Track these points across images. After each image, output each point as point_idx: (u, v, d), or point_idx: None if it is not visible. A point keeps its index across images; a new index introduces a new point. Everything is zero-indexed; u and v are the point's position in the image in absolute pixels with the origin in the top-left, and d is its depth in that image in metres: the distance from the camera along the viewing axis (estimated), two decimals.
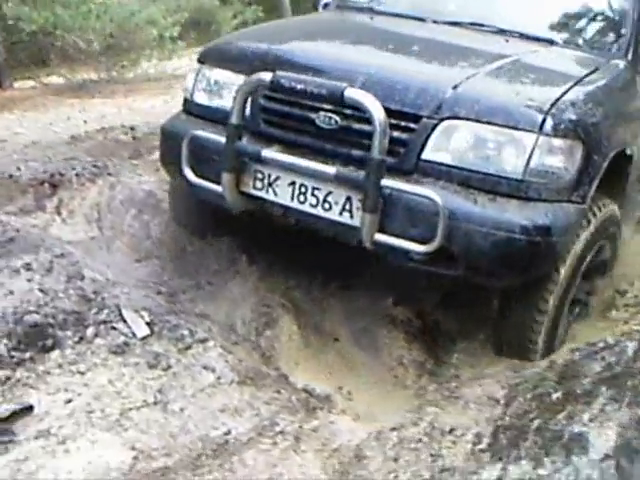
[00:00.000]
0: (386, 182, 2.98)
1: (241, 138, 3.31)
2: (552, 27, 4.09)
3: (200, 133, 3.42)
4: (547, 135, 2.97)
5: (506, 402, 2.52)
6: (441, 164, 3.06)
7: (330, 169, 3.10)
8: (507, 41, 3.87)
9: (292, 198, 3.25)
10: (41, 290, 3.30)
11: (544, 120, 2.98)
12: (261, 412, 2.96)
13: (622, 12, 4.12)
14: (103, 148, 5.61)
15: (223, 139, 3.30)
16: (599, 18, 4.23)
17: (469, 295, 3.61)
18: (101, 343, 3.19)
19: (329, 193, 3.16)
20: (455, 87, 3.13)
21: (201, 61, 3.71)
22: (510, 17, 4.07)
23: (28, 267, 3.39)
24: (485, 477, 1.99)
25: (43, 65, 11.57)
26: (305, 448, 2.68)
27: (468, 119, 3.04)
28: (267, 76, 3.19)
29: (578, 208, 3.15)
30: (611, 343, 2.54)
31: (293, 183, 3.24)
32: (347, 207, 3.13)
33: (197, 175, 3.41)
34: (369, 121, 2.99)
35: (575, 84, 3.28)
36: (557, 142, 3.01)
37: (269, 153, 3.24)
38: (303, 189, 3.22)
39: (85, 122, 7.14)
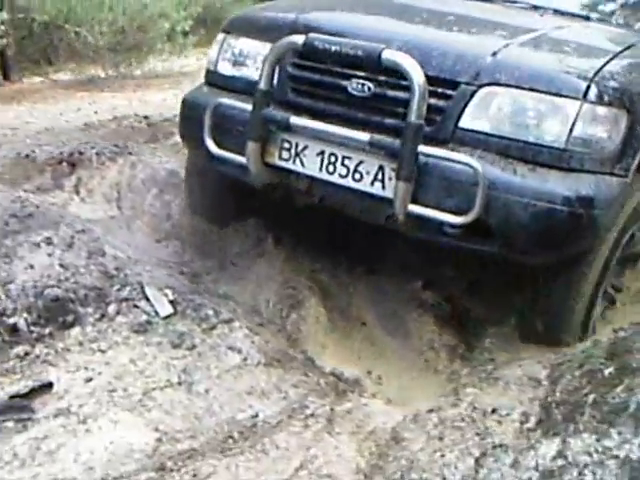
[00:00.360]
0: (423, 149, 2.85)
1: (269, 105, 3.17)
2: (587, 4, 4.01)
3: (225, 100, 3.30)
4: (591, 103, 2.85)
5: (551, 381, 2.41)
6: (479, 132, 2.93)
7: (364, 135, 2.96)
8: (542, 15, 3.77)
9: (320, 168, 3.11)
10: (62, 265, 3.19)
11: (588, 87, 2.86)
12: (289, 395, 2.85)
13: None
14: (118, 134, 5.50)
15: (249, 107, 3.18)
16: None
17: (498, 281, 3.47)
18: (123, 321, 3.09)
19: (360, 162, 3.03)
20: (494, 54, 3.01)
21: (226, 31, 3.58)
22: None
23: (49, 242, 3.27)
24: (543, 452, 1.87)
25: (50, 63, 11.51)
26: (339, 430, 2.57)
27: (508, 85, 2.91)
28: (299, 39, 3.06)
29: (621, 181, 3.00)
30: None
31: (322, 152, 3.11)
32: (379, 177, 2.99)
33: (219, 146, 3.28)
34: (404, 88, 2.89)
35: (616, 55, 3.16)
36: (602, 110, 2.89)
37: (299, 120, 3.11)
38: (333, 158, 3.09)
39: (96, 112, 7.02)
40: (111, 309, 3.13)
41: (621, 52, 3.23)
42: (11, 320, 2.93)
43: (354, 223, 3.33)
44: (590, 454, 1.77)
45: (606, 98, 2.89)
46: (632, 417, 1.82)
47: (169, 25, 10.11)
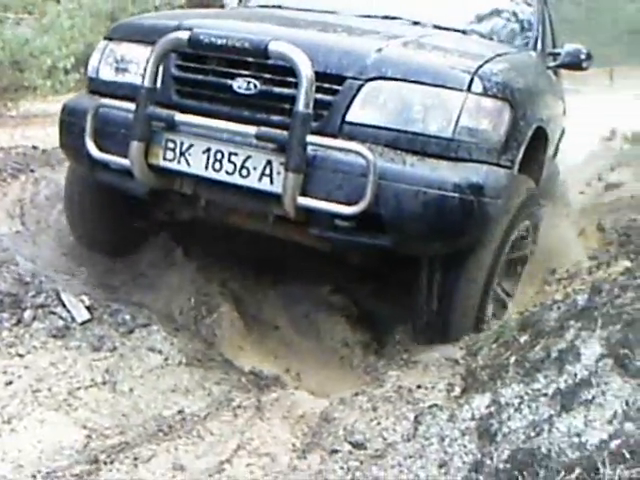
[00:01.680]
0: (312, 139, 2.80)
1: (153, 104, 3.05)
2: (465, 21, 4.11)
3: (107, 102, 3.20)
4: (476, 94, 2.93)
5: (470, 356, 2.57)
6: (367, 125, 2.92)
7: (250, 129, 2.88)
8: (418, 25, 3.90)
9: (207, 167, 3.01)
10: None
11: (472, 79, 2.93)
12: (213, 391, 2.91)
13: (530, 11, 4.43)
14: (9, 160, 5.36)
15: (133, 107, 3.06)
16: (509, 15, 4.41)
17: (398, 281, 3.59)
18: (40, 326, 3.07)
19: (247, 158, 2.94)
20: (379, 50, 3.04)
21: (108, 38, 3.50)
22: (423, 12, 4.05)
23: None
24: (476, 404, 2.01)
25: None
26: (269, 416, 2.64)
27: (395, 79, 2.94)
28: (185, 34, 2.98)
29: (507, 172, 3.09)
30: (559, 299, 2.63)
31: (208, 150, 3.01)
32: (267, 172, 2.91)
33: (102, 150, 3.14)
34: (291, 84, 2.88)
35: (493, 58, 3.24)
36: (486, 101, 2.96)
37: (184, 117, 3.02)
38: (219, 155, 2.99)
39: None
40: (27, 315, 3.10)
41: (498, 55, 3.34)
42: None
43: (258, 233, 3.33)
44: (521, 397, 1.93)
45: (490, 90, 2.97)
46: (554, 363, 2.00)
47: (50, 62, 9.95)
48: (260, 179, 2.92)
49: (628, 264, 3.04)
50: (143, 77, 3.05)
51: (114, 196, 3.52)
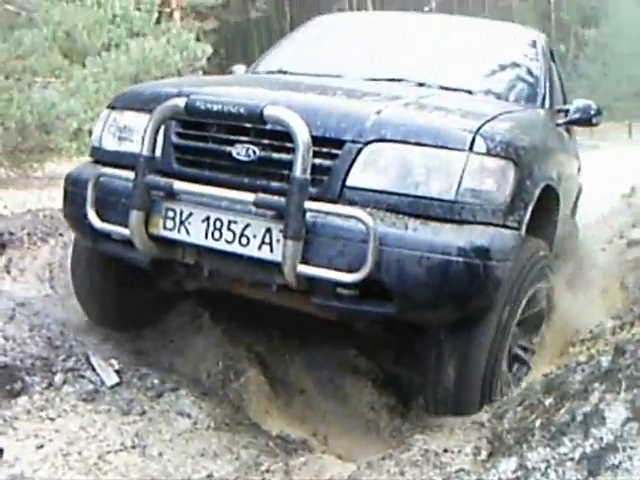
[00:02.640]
0: (310, 205, 2.73)
1: (152, 172, 3.02)
2: (471, 81, 4.03)
3: (108, 171, 3.16)
4: (478, 154, 2.83)
5: (496, 420, 2.58)
6: (368, 190, 2.84)
7: (248, 196, 2.82)
8: (423, 86, 3.86)
9: (206, 235, 2.95)
10: (5, 337, 3.21)
11: (474, 139, 2.84)
12: (241, 456, 2.93)
13: (536, 68, 4.34)
14: (39, 223, 5.48)
15: (133, 176, 3.03)
16: (515, 74, 4.35)
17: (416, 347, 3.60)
18: (70, 390, 3.13)
19: (247, 226, 2.87)
20: (379, 112, 2.98)
21: (111, 107, 3.49)
22: (429, 73, 4.01)
23: None
24: (503, 469, 2.02)
25: None
26: None
27: (395, 141, 2.86)
28: (181, 101, 2.95)
29: (514, 234, 2.98)
30: (583, 361, 2.64)
31: (207, 218, 2.95)
32: (267, 240, 2.84)
33: (103, 220, 3.10)
34: (289, 150, 2.81)
35: (496, 116, 3.18)
36: (489, 161, 2.88)
37: (182, 185, 2.98)
38: (218, 224, 2.93)
39: (6, 207, 6.99)
40: (58, 378, 3.15)
41: (501, 114, 3.27)
42: None
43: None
44: (548, 461, 1.93)
45: (492, 150, 2.88)
46: (580, 427, 2.01)
47: (76, 124, 10.20)
48: (260, 247, 2.86)
49: None
50: (142, 145, 3.02)
51: (119, 267, 3.48)
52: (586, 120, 4.15)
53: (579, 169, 5.43)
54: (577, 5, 32.91)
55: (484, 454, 2.38)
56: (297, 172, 2.72)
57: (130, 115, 3.35)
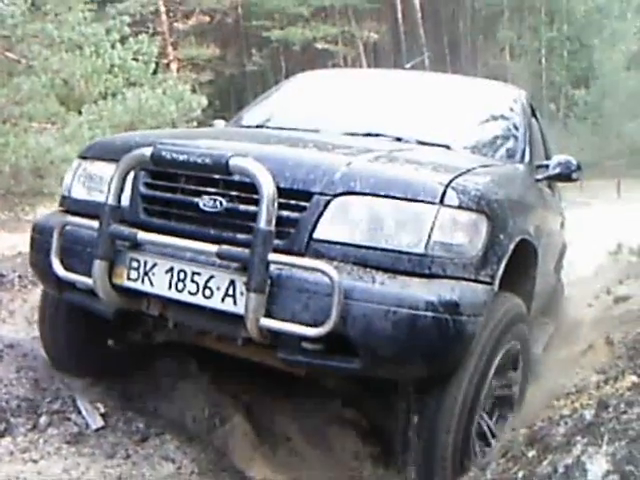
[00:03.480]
0: (274, 257, 2.66)
1: (118, 222, 2.95)
2: (449, 136, 3.97)
3: (73, 219, 3.13)
4: (449, 207, 2.76)
5: (478, 471, 2.59)
6: (335, 243, 2.77)
7: (211, 247, 2.75)
8: (400, 141, 3.82)
9: (170, 286, 2.87)
10: None
11: (445, 192, 2.77)
12: None
13: (514, 124, 4.30)
14: (29, 266, 5.49)
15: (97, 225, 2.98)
16: (494, 129, 4.34)
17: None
18: (54, 432, 3.15)
19: (210, 278, 2.80)
20: (349, 164, 2.92)
21: (82, 157, 3.46)
22: (407, 129, 3.98)
23: None
24: None
25: None
26: None
27: (364, 194, 2.79)
28: (147, 150, 2.90)
29: (487, 289, 2.88)
30: (567, 414, 2.66)
31: (171, 269, 2.88)
32: (230, 292, 2.75)
33: (68, 269, 3.04)
34: (256, 201, 2.72)
35: (471, 170, 3.13)
36: (460, 214, 2.80)
37: (146, 235, 2.91)
38: (182, 275, 2.86)
39: None
40: (43, 420, 3.17)
41: (475, 168, 3.22)
42: None
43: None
44: None
45: (464, 203, 2.81)
46: (561, 478, 2.03)
47: None
48: (223, 300, 2.77)
49: (635, 379, 3.06)
50: (107, 194, 2.97)
51: (87, 318, 3.39)
52: (566, 175, 4.11)
53: (562, 225, 5.40)
54: (568, 66, 33.55)
55: None
56: (261, 223, 2.66)
57: (100, 165, 3.31)
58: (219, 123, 4.91)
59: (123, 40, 12.88)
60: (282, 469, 3.30)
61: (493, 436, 3.10)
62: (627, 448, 1.98)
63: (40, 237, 3.30)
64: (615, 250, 8.71)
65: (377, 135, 3.88)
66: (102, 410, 3.29)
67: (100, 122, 11.79)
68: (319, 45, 31.74)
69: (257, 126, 4.30)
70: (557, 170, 4.08)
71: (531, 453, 2.42)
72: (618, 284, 6.84)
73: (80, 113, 12.07)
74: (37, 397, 3.23)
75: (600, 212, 13.64)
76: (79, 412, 3.23)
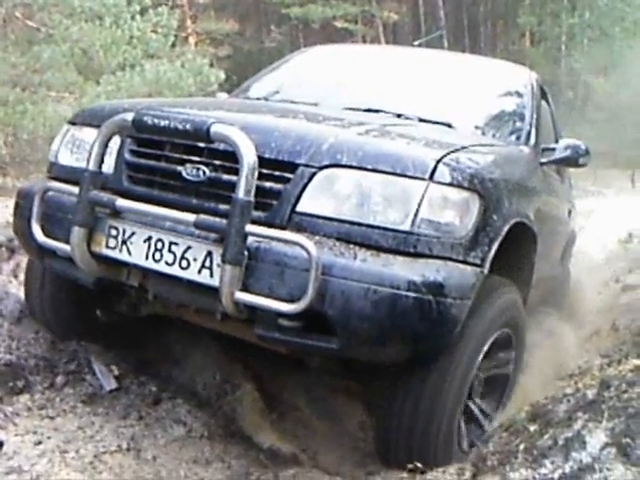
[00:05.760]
0: (251, 228, 2.57)
1: (97, 188, 2.88)
2: (452, 114, 3.86)
3: (54, 185, 3.08)
4: (439, 183, 2.66)
5: (480, 444, 2.67)
6: (318, 217, 2.68)
7: (189, 217, 2.68)
8: (400, 117, 3.72)
9: (147, 256, 2.82)
10: (11, 337, 3.31)
11: (435, 167, 2.67)
12: (232, 465, 3.03)
13: (522, 105, 4.21)
14: None
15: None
16: (500, 109, 4.26)
17: None
18: (70, 392, 3.25)
19: (188, 248, 2.74)
20: (337, 136, 2.84)
21: (71, 122, 3.39)
22: (410, 105, 3.90)
23: None
24: None
25: None
26: None
27: (351, 167, 2.70)
28: (129, 115, 2.84)
29: (476, 271, 2.76)
30: (569, 393, 2.72)
31: (149, 239, 2.82)
32: (207, 264, 2.69)
33: (48, 236, 2.99)
34: (238, 172, 2.62)
35: (471, 146, 3.05)
36: (451, 192, 2.69)
37: (125, 203, 2.85)
38: (160, 245, 2.80)
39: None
40: (59, 380, 3.27)
41: (472, 146, 3.13)
42: None
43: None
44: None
45: (455, 180, 2.70)
46: (561, 450, 2.10)
47: None
48: (200, 271, 2.70)
49: (638, 362, 3.13)
50: (88, 160, 2.91)
51: (74, 288, 3.35)
52: (573, 160, 3.99)
53: (570, 213, 5.29)
54: (588, 53, 33.27)
55: (468, 474, 2.46)
56: (240, 193, 2.56)
57: (87, 131, 3.24)
58: (221, 95, 4.87)
59: (143, 12, 12.89)
60: (289, 437, 3.38)
61: (486, 417, 3.12)
62: (626, 423, 2.06)
63: (23, 203, 3.26)
64: (626, 239, 8.74)
65: (377, 111, 3.80)
66: (116, 373, 3.38)
67: (117, 93, 11.82)
68: (338, 24, 31.55)
69: (257, 99, 4.27)
70: (564, 154, 3.97)
71: (533, 427, 2.51)
72: (628, 273, 6.89)
73: (98, 83, 12.11)
74: (54, 357, 3.33)
75: (613, 202, 13.63)
76: (94, 374, 3.33)
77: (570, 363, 3.93)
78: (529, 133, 4.06)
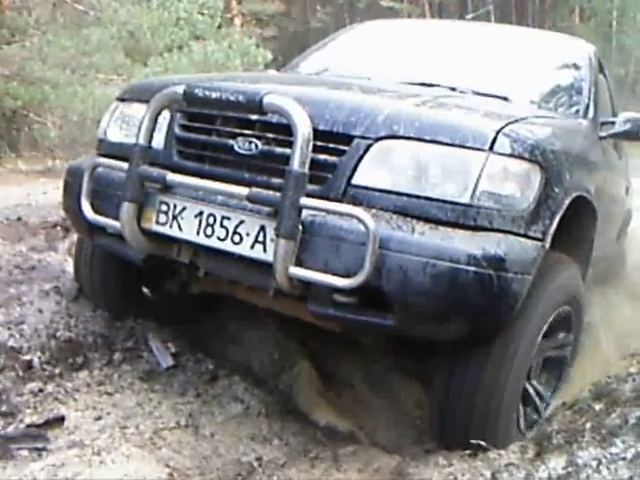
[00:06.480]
0: (306, 201, 2.49)
1: (146, 162, 2.84)
2: (507, 88, 3.73)
3: (105, 161, 3.04)
4: (500, 154, 2.56)
5: (544, 422, 2.62)
6: (374, 189, 2.60)
7: (242, 190, 2.62)
8: (454, 90, 3.63)
9: (198, 232, 2.76)
10: (69, 315, 3.34)
11: (495, 138, 2.58)
12: (290, 442, 3.01)
13: (580, 78, 4.09)
14: None
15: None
16: (556, 82, 4.11)
17: None
18: (128, 368, 3.27)
19: (240, 223, 2.67)
20: (393, 107, 2.77)
21: (120, 99, 3.36)
22: (465, 79, 3.79)
23: (57, 291, 3.42)
24: (553, 465, 2.05)
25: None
26: (346, 468, 2.71)
27: (408, 138, 2.61)
28: (180, 88, 2.76)
29: (537, 245, 2.66)
30: (634, 372, 2.63)
31: (200, 213, 2.76)
32: (260, 238, 2.62)
33: (95, 211, 2.95)
34: (291, 144, 2.54)
35: (525, 118, 2.92)
36: (512, 163, 2.59)
37: (176, 177, 2.79)
38: (211, 219, 2.74)
39: None
40: (117, 356, 3.30)
41: (532, 117, 3.06)
42: (26, 357, 3.05)
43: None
44: (599, 460, 1.96)
45: (516, 151, 2.60)
46: (632, 430, 2.04)
47: None
48: (252, 246, 2.63)
49: None
50: (138, 135, 2.86)
51: (124, 266, 3.32)
52: (634, 134, 3.79)
53: (627, 190, 5.09)
54: None
55: (531, 453, 2.40)
56: (294, 165, 2.48)
57: (136, 106, 3.18)
58: (271, 72, 4.82)
59: None
60: (346, 415, 3.35)
61: (541, 399, 3.02)
62: None
63: (72, 180, 3.21)
64: None
65: (431, 85, 3.70)
66: (173, 350, 3.39)
67: (165, 74, 11.89)
68: (384, 3, 31.30)
69: (307, 74, 4.21)
70: (625, 127, 3.77)
71: (598, 407, 2.44)
72: None
73: (146, 65, 12.22)
74: (112, 334, 3.35)
75: None
76: (151, 351, 3.35)
77: (630, 344, 3.82)
78: (587, 106, 3.93)
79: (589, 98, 3.99)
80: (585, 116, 3.87)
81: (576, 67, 4.21)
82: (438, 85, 3.70)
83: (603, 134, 3.89)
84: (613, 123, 3.91)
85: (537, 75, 4.10)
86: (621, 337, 4.04)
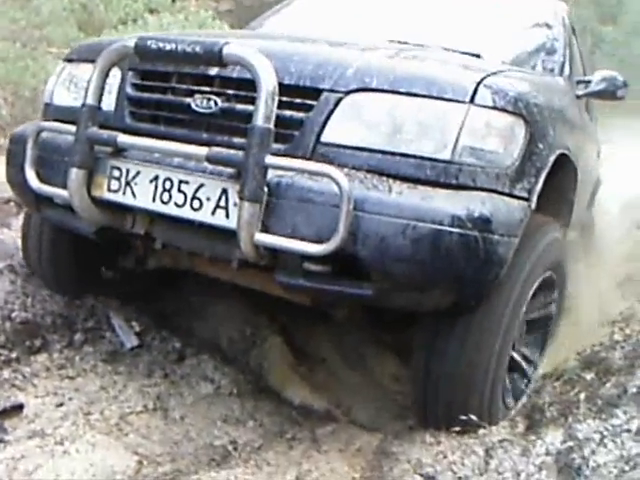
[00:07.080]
0: (272, 160, 2.26)
1: (96, 124, 2.58)
2: (479, 46, 3.48)
3: (50, 125, 2.81)
4: (481, 107, 2.38)
5: (533, 394, 2.49)
6: (346, 146, 2.39)
7: (201, 150, 2.38)
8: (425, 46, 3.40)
9: (154, 198, 2.52)
10: (25, 294, 3.14)
11: (476, 89, 2.39)
12: (265, 423, 2.88)
13: (553, 37, 3.93)
14: None
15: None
16: (530, 40, 3.91)
17: None
18: (90, 350, 3.10)
19: (200, 187, 2.43)
20: (364, 59, 2.57)
21: (67, 59, 3.11)
22: (434, 37, 3.57)
23: (11, 269, 3.22)
24: (550, 440, 1.93)
25: None
26: (326, 449, 2.59)
27: (381, 90, 2.41)
28: (131, 41, 2.52)
29: (523, 205, 2.49)
30: (620, 339, 2.53)
31: (156, 178, 2.52)
32: (222, 203, 2.39)
33: (41, 180, 2.71)
34: (255, 100, 2.31)
35: (509, 70, 2.78)
36: (494, 116, 2.41)
37: (127, 138, 2.56)
38: (168, 184, 2.50)
39: None
40: (78, 338, 3.13)
41: (510, 70, 2.88)
42: None
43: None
44: (601, 432, 1.85)
45: (498, 103, 2.43)
46: (633, 399, 1.93)
47: None
48: (214, 212, 2.40)
49: None
50: (85, 94, 2.61)
51: (73, 240, 3.11)
52: (610, 92, 3.68)
53: (598, 155, 5.01)
54: (596, 1, 32.65)
55: (521, 427, 2.29)
56: (258, 120, 2.25)
57: (85, 67, 2.91)
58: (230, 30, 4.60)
59: None
60: (320, 391, 3.21)
61: (529, 363, 2.88)
62: None
63: (15, 148, 2.96)
64: None
65: (399, 42, 3.41)
66: (137, 329, 3.22)
67: None
68: None
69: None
70: (601, 86, 3.68)
71: (589, 376, 2.32)
72: None
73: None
74: (71, 314, 3.16)
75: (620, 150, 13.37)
76: (113, 330, 3.17)
77: (608, 310, 3.74)
78: (562, 65, 3.81)
79: (564, 56, 3.88)
80: (561, 74, 3.75)
81: (548, 26, 4.04)
82: (406, 43, 3.41)
83: (580, 92, 3.78)
84: (589, 82, 3.79)
85: (510, 34, 3.91)
86: (598, 303, 3.97)
